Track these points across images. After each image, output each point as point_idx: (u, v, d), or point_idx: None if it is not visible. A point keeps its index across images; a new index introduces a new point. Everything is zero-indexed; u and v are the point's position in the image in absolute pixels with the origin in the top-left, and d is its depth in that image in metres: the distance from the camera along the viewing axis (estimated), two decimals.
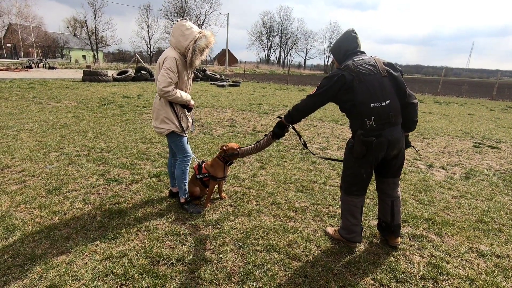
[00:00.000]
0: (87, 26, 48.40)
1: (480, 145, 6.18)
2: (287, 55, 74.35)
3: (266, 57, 73.48)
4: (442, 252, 2.38)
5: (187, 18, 2.58)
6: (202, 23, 53.27)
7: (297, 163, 4.37)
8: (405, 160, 4.89)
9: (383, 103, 2.06)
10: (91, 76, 15.79)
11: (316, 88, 2.20)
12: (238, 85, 18.21)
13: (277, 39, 72.36)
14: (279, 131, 2.44)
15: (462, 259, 2.31)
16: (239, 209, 2.90)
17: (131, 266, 2.02)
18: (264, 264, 2.11)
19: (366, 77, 2.06)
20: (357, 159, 2.16)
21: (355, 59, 2.15)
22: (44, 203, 2.81)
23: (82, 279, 1.89)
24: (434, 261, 2.26)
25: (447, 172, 4.42)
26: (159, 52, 63.79)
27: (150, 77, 18.25)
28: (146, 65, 26.03)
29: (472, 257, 2.34)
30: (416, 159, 4.96)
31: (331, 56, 2.40)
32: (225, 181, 3.10)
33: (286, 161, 4.43)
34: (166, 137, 2.73)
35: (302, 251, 2.30)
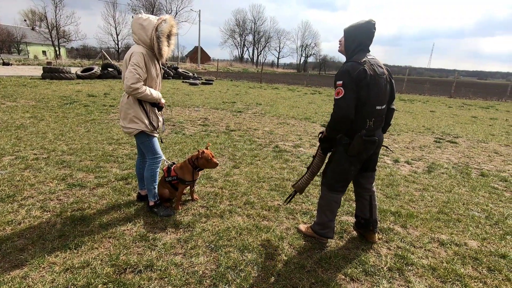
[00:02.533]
0: (46, 19, 45.06)
1: (441, 140, 6.60)
2: (261, 54, 74.61)
3: (240, 55, 73.23)
4: (407, 244, 2.49)
5: (141, 11, 2.48)
6: None
7: (270, 161, 4.38)
8: None
9: (382, 107, 2.15)
10: (52, 73, 14.74)
11: (336, 88, 2.04)
12: (211, 83, 17.96)
13: (250, 37, 72.33)
14: (326, 145, 2.37)
15: (425, 249, 2.43)
16: (211, 210, 2.84)
17: (95, 276, 1.89)
18: (237, 266, 2.08)
19: (379, 79, 2.06)
20: (351, 156, 2.17)
21: (369, 57, 2.10)
22: None
23: None
24: (400, 252, 2.37)
25: (412, 166, 4.66)
26: (127, 48, 61.01)
27: (117, 75, 17.42)
28: (113, 62, 24.84)
29: (434, 247, 2.47)
30: (384, 155, 5.18)
31: (343, 38, 2.19)
32: (193, 186, 3.01)
33: (259, 160, 4.43)
34: (134, 137, 2.60)
35: (275, 250, 2.29)
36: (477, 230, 2.78)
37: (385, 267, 2.18)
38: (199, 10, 41.69)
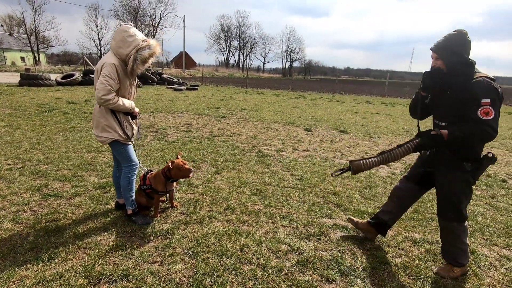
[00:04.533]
0: (25, 24, 43.74)
1: None
2: (246, 59, 75.09)
3: (225, 60, 73.39)
4: (382, 244, 2.57)
5: (131, 24, 2.46)
6: (157, 25, 51.44)
7: (253, 166, 4.41)
8: (353, 159, 5.21)
9: None
10: (30, 80, 14.30)
11: (484, 107, 1.86)
12: (196, 89, 17.90)
13: (235, 43, 72.74)
14: (433, 146, 2.12)
15: (399, 248, 2.52)
16: (191, 217, 2.83)
17: (68, 287, 1.85)
18: (214, 271, 2.09)
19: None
20: (474, 180, 2.07)
21: (487, 75, 1.96)
22: None
23: None
24: (375, 252, 2.44)
25: (390, 168, 4.80)
26: None
27: None
28: (95, 67, 24.33)
29: (407, 246, 2.56)
30: (364, 158, 5.31)
31: (438, 56, 2.04)
32: (172, 194, 2.99)
33: (241, 165, 4.45)
34: (109, 146, 2.57)
35: (254, 255, 2.31)
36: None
37: (360, 267, 2.23)
38: (184, 16, 41.70)
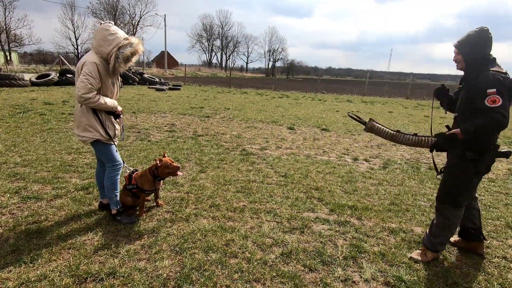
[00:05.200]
0: None
1: None
2: (229, 58, 74.80)
3: (208, 60, 72.78)
4: (361, 234, 2.71)
5: (111, 22, 2.44)
6: (137, 24, 50.25)
7: (237, 165, 4.47)
8: (335, 155, 5.39)
9: None
10: (1, 80, 13.64)
11: (490, 96, 1.97)
12: (179, 89, 17.69)
13: (218, 42, 72.22)
14: (445, 143, 2.20)
15: (377, 238, 2.66)
16: (177, 215, 2.86)
17: (53, 287, 1.85)
18: (201, 266, 2.14)
19: None
20: (477, 170, 2.14)
21: (500, 69, 2.07)
22: None
23: None
24: (354, 242, 2.57)
25: (369, 163, 5.00)
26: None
27: None
28: (72, 67, 23.52)
29: (385, 235, 2.71)
30: (344, 154, 5.50)
31: (459, 51, 2.17)
32: (157, 193, 3.00)
33: (226, 163, 4.50)
34: (91, 145, 2.56)
35: (239, 249, 2.38)
36: (422, 218, 3.08)
37: (340, 256, 2.35)
38: (165, 15, 40.94)
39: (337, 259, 2.32)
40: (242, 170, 4.23)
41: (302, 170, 4.37)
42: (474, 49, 2.11)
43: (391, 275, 2.17)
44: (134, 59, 2.42)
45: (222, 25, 70.39)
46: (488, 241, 2.64)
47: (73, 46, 50.88)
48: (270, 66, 78.44)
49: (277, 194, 3.48)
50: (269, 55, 77.12)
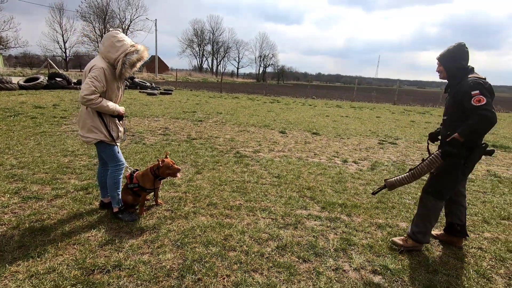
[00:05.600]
0: None
1: (383, 142, 7.43)
2: (220, 63, 75.10)
3: (199, 65, 72.87)
4: (351, 229, 2.90)
5: (119, 30, 2.58)
6: (127, 28, 49.96)
7: (232, 166, 4.62)
8: (325, 157, 5.61)
9: None
10: None
11: (474, 97, 2.19)
12: (170, 93, 17.73)
13: (209, 47, 72.50)
14: (452, 149, 2.28)
15: (365, 232, 2.85)
16: (176, 213, 2.98)
17: (62, 279, 1.95)
18: (202, 258, 2.27)
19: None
20: (467, 167, 2.35)
21: (479, 76, 2.33)
22: None
23: None
24: (345, 236, 2.75)
25: (358, 165, 5.23)
26: (76, 57, 57.25)
27: (67, 85, 16.38)
28: (61, 71, 23.25)
29: (372, 230, 2.91)
30: (335, 156, 5.72)
31: (440, 63, 2.47)
32: (157, 192, 3.12)
33: (221, 165, 4.64)
34: (95, 146, 2.67)
35: (237, 243, 2.52)
36: (407, 214, 3.30)
37: (332, 249, 2.53)
38: (155, 19, 40.98)
39: (329, 251, 2.49)
40: (237, 172, 4.38)
41: (294, 172, 4.56)
42: (454, 61, 2.41)
43: (378, 264, 2.36)
44: (139, 65, 2.56)
45: (213, 30, 70.82)
46: (469, 237, 2.86)
47: (61, 49, 50.16)
48: (261, 72, 79.17)
49: (271, 194, 3.64)
50: (260, 60, 77.94)
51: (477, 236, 2.92)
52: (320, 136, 7.76)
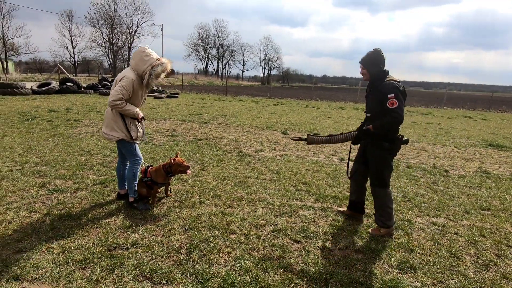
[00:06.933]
0: None
1: None
2: (225, 67, 75.89)
3: (204, 68, 73.75)
4: (340, 217, 3.22)
5: (147, 46, 2.99)
6: (134, 33, 51.09)
7: (235, 164, 4.98)
8: (324, 156, 5.93)
9: None
10: (4, 89, 14.08)
11: (390, 99, 2.61)
12: (177, 97, 18.24)
13: (214, 51, 73.37)
14: (365, 138, 2.84)
15: (353, 219, 3.18)
16: (184, 203, 3.35)
17: (90, 253, 2.32)
18: (207, 239, 2.63)
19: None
20: (392, 155, 2.80)
21: (395, 78, 2.74)
22: None
23: (44, 268, 2.13)
24: (334, 223, 3.08)
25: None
26: (85, 62, 58.64)
27: (77, 90, 17.02)
28: (71, 76, 23.99)
29: (360, 218, 3.22)
30: (332, 155, 6.04)
31: (364, 67, 2.84)
32: (166, 188, 3.48)
33: (225, 163, 5.00)
34: (116, 143, 3.07)
35: (238, 227, 2.87)
36: (394, 205, 3.60)
37: (321, 232, 2.86)
38: (162, 24, 41.86)
39: (318, 234, 2.83)
40: (239, 168, 4.74)
41: (293, 169, 4.89)
42: (375, 65, 2.80)
43: (360, 245, 2.68)
44: (163, 76, 2.96)
45: (218, 34, 71.65)
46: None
47: (70, 55, 51.50)
48: (265, 74, 79.70)
49: (270, 187, 3.99)
50: (265, 63, 78.50)
51: (456, 223, 3.21)
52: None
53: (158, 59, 2.92)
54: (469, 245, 2.79)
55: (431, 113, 16.79)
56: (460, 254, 2.61)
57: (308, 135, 3.11)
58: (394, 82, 2.71)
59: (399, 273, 2.33)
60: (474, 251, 2.68)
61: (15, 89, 14.25)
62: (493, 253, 2.67)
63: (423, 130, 10.22)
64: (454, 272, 2.37)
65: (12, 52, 44.42)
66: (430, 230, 3.04)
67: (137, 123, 3.09)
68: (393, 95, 2.61)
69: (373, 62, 2.80)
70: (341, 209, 3.37)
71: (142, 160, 3.23)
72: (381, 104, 2.70)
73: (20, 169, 4.15)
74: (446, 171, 5.31)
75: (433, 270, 2.38)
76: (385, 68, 2.83)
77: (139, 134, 3.14)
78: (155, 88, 20.35)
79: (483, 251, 2.68)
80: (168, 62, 2.98)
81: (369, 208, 3.43)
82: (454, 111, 19.25)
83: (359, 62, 2.91)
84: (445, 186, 4.47)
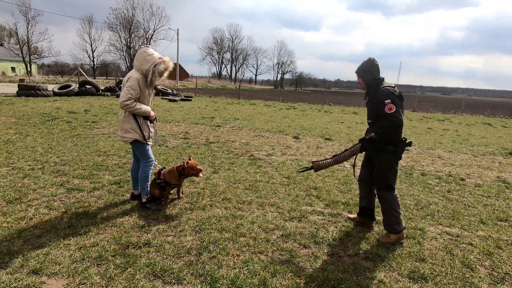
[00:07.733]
0: (17, 35, 44.03)
1: None
2: (238, 71, 76.55)
3: (218, 72, 74.62)
4: (350, 223, 3.20)
5: (149, 46, 3.11)
6: (151, 37, 52.38)
7: (246, 167, 5.02)
8: None
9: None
10: (28, 90, 14.74)
11: (387, 105, 2.64)
12: (190, 100, 18.54)
13: (228, 55, 74.21)
14: (370, 146, 2.84)
15: (363, 226, 3.14)
16: (195, 205, 3.41)
17: (104, 251, 2.41)
18: (216, 241, 2.67)
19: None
20: (397, 159, 2.81)
21: (390, 84, 2.79)
22: (7, 211, 2.99)
23: (62, 264, 2.23)
24: (344, 229, 3.06)
25: None
26: (103, 65, 60.52)
27: (96, 92, 17.58)
28: (90, 78, 24.79)
29: (371, 225, 3.19)
30: (346, 162, 5.98)
31: (359, 76, 2.91)
32: (178, 190, 3.56)
33: (236, 166, 5.06)
34: (130, 144, 3.17)
35: (247, 231, 2.91)
36: (406, 213, 3.55)
37: (330, 238, 2.85)
38: (177, 29, 42.71)
39: (327, 240, 2.82)
40: (250, 172, 4.78)
41: (304, 173, 4.88)
42: (369, 73, 2.86)
43: (370, 252, 2.66)
44: (166, 74, 3.07)
45: (232, 38, 72.50)
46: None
47: (89, 58, 53.21)
48: (278, 78, 79.81)
49: (280, 192, 4.00)
50: (278, 67, 78.68)
51: (470, 234, 3.13)
52: (332, 141, 8.02)
53: (160, 58, 3.03)
54: (484, 256, 2.71)
55: (448, 119, 16.35)
56: (474, 266, 2.55)
57: (313, 162, 3.04)
58: (389, 88, 2.76)
59: (409, 282, 2.29)
60: (489, 263, 2.61)
61: (37, 91, 14.88)
62: (509, 265, 2.59)
63: (439, 137, 9.97)
64: (467, 283, 2.32)
65: (36, 56, 46.46)
66: (443, 239, 2.97)
67: (149, 123, 3.18)
68: (389, 100, 2.67)
69: (367, 70, 2.86)
70: (351, 215, 3.35)
71: (155, 162, 3.32)
72: (378, 110, 2.75)
73: (41, 168, 4.34)
74: (462, 179, 5.17)
75: (445, 280, 2.33)
76: (389, 73, 2.90)
77: (151, 134, 3.24)
78: (169, 91, 20.79)
79: (499, 263, 2.60)
80: (170, 60, 3.09)
81: (379, 215, 3.39)
82: (473, 118, 18.67)
83: (355, 72, 2.97)
84: (461, 195, 4.35)
